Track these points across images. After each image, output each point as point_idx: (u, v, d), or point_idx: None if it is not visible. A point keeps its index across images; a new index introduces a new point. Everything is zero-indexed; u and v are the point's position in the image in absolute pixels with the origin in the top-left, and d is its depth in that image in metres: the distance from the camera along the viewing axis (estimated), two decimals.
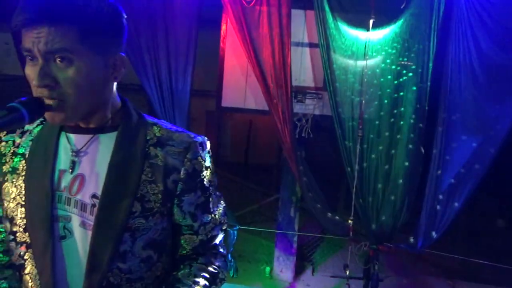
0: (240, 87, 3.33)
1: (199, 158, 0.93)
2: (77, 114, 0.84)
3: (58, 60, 0.78)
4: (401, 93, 2.75)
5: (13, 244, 0.91)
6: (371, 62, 2.83)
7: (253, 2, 2.89)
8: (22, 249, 0.89)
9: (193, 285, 0.93)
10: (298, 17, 3.18)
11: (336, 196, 4.92)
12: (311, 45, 3.30)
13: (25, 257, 0.89)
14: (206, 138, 0.98)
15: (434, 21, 2.68)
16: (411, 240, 2.70)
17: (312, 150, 3.87)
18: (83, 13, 0.78)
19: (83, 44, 0.79)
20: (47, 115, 0.81)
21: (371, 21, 2.74)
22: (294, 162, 2.81)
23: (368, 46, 2.76)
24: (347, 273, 2.74)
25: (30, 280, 0.89)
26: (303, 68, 3.31)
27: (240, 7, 2.88)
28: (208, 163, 0.96)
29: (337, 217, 2.84)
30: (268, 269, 3.84)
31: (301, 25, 3.27)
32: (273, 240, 3.86)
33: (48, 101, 0.80)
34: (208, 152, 0.97)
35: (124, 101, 0.95)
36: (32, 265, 0.89)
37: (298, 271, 3.82)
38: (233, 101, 3.36)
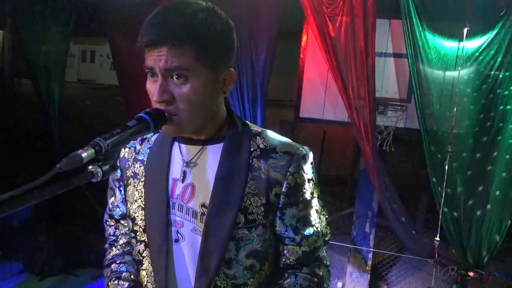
0: (319, 98, 3.31)
1: (301, 171, 0.94)
2: (190, 127, 0.90)
3: (175, 77, 0.84)
4: (500, 107, 2.53)
5: (133, 241, 1.00)
6: (463, 73, 2.64)
7: (336, 12, 2.88)
8: (141, 247, 0.98)
9: None
10: (382, 26, 3.09)
11: (414, 214, 4.64)
12: (395, 55, 3.19)
13: (143, 254, 0.98)
14: (309, 149, 0.98)
15: None
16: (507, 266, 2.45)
17: (386, 163, 3.71)
18: (199, 32, 0.83)
19: (198, 62, 0.84)
20: (163, 127, 0.88)
21: (465, 30, 2.56)
22: (376, 176, 2.71)
23: (461, 56, 2.59)
24: None
25: (145, 275, 0.98)
26: (385, 79, 3.21)
27: (323, 18, 2.88)
28: (310, 175, 0.96)
29: (421, 237, 2.66)
30: (340, 284, 3.72)
31: (385, 35, 3.18)
32: (346, 255, 3.74)
33: (166, 114, 0.86)
34: (311, 164, 0.97)
35: (230, 111, 0.99)
36: (149, 263, 0.97)
37: None
38: (312, 111, 3.35)
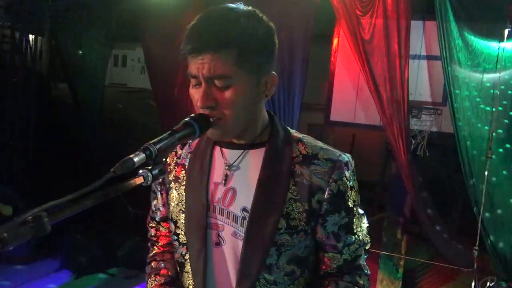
0: (350, 101, 3.27)
1: (344, 178, 0.92)
2: (234, 131, 0.91)
3: (218, 82, 0.84)
4: None
5: (176, 243, 1.01)
6: (503, 74, 2.54)
7: (369, 15, 2.84)
8: (183, 249, 0.99)
9: None
10: (416, 28, 3.02)
11: (447, 220, 4.49)
12: (429, 57, 3.12)
13: (185, 257, 0.99)
14: (351, 156, 0.96)
15: None
16: None
17: (420, 168, 3.61)
18: (240, 38, 0.83)
19: (241, 67, 0.84)
20: (208, 131, 0.88)
21: (506, 31, 2.47)
22: (410, 181, 2.64)
23: (502, 58, 2.49)
24: None
25: (187, 278, 0.99)
26: (419, 82, 3.14)
27: (356, 21, 2.85)
28: (352, 182, 0.95)
29: (458, 245, 2.58)
30: None
31: (418, 37, 3.11)
32: (376, 261, 3.66)
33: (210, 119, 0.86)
34: (353, 171, 0.95)
35: (271, 117, 0.99)
36: (190, 266, 0.98)
37: None
38: (342, 115, 3.32)
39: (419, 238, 3.89)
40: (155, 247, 1.13)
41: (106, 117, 4.43)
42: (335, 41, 3.28)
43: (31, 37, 4.63)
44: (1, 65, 5.01)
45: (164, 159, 0.78)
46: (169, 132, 0.80)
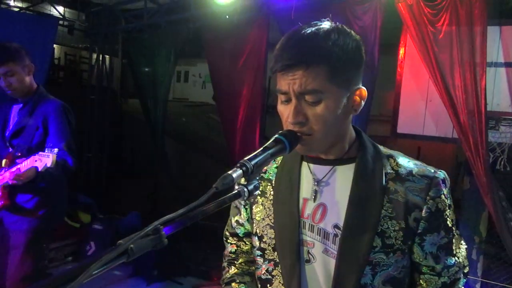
0: (418, 112, 3.12)
1: (442, 196, 0.89)
2: (322, 146, 0.90)
3: (309, 98, 0.84)
4: None
5: (260, 259, 1.00)
6: None
7: (440, 22, 2.71)
8: (270, 265, 0.98)
9: None
10: (492, 34, 2.83)
11: None
12: (507, 64, 2.90)
13: (273, 273, 0.98)
14: (446, 173, 0.92)
15: None
16: None
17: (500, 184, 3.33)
18: (331, 53, 0.83)
19: (331, 82, 0.83)
20: (297, 146, 0.88)
21: None
22: (490, 197, 2.45)
23: None
24: None
25: None
26: (496, 91, 2.92)
27: (425, 29, 2.74)
28: (449, 201, 0.91)
29: None
30: None
31: (495, 43, 2.91)
32: None
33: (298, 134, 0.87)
34: (449, 189, 0.91)
35: (358, 132, 0.97)
36: (279, 282, 0.96)
37: None
38: (410, 127, 3.17)
39: (497, 260, 3.58)
40: (232, 267, 1.11)
41: (171, 130, 4.67)
42: (401, 51, 3.17)
43: (106, 57, 5.04)
44: (80, 83, 5.50)
45: (258, 175, 0.80)
46: (262, 148, 0.81)
